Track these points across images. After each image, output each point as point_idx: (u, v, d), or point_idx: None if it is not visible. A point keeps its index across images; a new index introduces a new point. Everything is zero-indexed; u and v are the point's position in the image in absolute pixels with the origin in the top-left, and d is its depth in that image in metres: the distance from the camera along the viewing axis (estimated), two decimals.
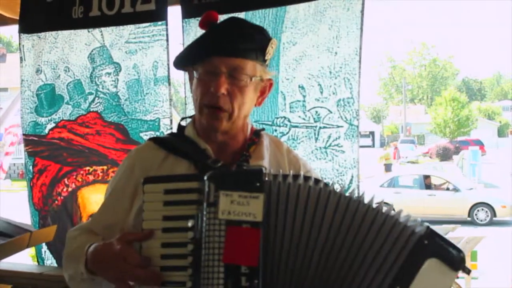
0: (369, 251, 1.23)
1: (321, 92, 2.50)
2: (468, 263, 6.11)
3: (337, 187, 1.27)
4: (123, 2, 2.91)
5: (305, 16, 2.50)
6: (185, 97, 2.74)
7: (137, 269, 1.26)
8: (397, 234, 1.23)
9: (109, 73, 2.98)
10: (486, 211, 14.10)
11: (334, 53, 2.46)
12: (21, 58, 3.21)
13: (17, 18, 3.24)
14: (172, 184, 1.30)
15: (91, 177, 3.06)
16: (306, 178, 1.28)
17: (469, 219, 14.00)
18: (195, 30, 2.69)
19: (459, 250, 1.22)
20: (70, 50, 3.07)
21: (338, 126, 2.48)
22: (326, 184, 1.28)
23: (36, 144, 3.19)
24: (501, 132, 54.19)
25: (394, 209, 1.27)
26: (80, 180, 3.08)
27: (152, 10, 2.85)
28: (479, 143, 34.39)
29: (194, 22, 2.71)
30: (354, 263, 1.24)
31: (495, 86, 78.35)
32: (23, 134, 3.28)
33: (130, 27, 2.91)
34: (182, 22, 2.76)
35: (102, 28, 2.98)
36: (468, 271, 1.26)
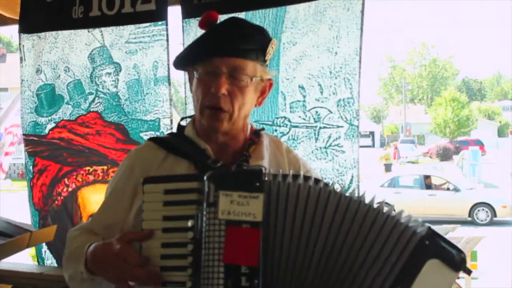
0: (370, 252, 1.22)
1: (321, 92, 2.49)
2: (468, 263, 6.08)
3: (337, 187, 1.27)
4: (123, 2, 2.90)
5: (305, 16, 2.50)
6: (185, 97, 2.74)
7: (137, 269, 1.26)
8: (398, 235, 1.22)
9: (109, 73, 2.98)
10: (487, 211, 14.11)
11: (334, 53, 2.46)
12: (21, 58, 3.20)
13: (17, 18, 3.23)
14: (172, 184, 1.30)
15: (91, 177, 3.06)
16: (306, 178, 1.27)
17: (469, 219, 14.01)
18: (195, 30, 2.68)
19: (460, 251, 1.22)
20: (70, 50, 3.07)
21: (338, 126, 2.47)
22: (326, 184, 1.28)
23: (36, 144, 3.19)
24: (501, 132, 54.17)
25: (395, 210, 1.26)
26: (80, 180, 3.08)
27: (152, 10, 2.85)
28: (479, 143, 34.39)
29: (194, 22, 2.71)
30: (355, 264, 1.23)
31: (495, 86, 78.33)
32: (23, 134, 3.28)
33: (130, 27, 2.91)
34: (182, 22, 2.76)
35: (102, 28, 2.97)
36: (469, 272, 1.26)
